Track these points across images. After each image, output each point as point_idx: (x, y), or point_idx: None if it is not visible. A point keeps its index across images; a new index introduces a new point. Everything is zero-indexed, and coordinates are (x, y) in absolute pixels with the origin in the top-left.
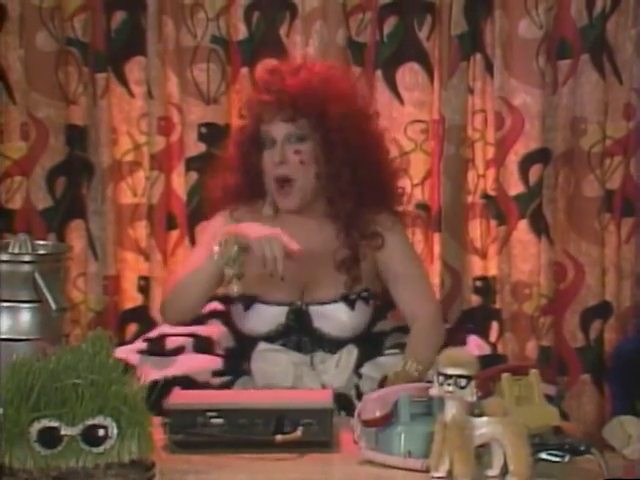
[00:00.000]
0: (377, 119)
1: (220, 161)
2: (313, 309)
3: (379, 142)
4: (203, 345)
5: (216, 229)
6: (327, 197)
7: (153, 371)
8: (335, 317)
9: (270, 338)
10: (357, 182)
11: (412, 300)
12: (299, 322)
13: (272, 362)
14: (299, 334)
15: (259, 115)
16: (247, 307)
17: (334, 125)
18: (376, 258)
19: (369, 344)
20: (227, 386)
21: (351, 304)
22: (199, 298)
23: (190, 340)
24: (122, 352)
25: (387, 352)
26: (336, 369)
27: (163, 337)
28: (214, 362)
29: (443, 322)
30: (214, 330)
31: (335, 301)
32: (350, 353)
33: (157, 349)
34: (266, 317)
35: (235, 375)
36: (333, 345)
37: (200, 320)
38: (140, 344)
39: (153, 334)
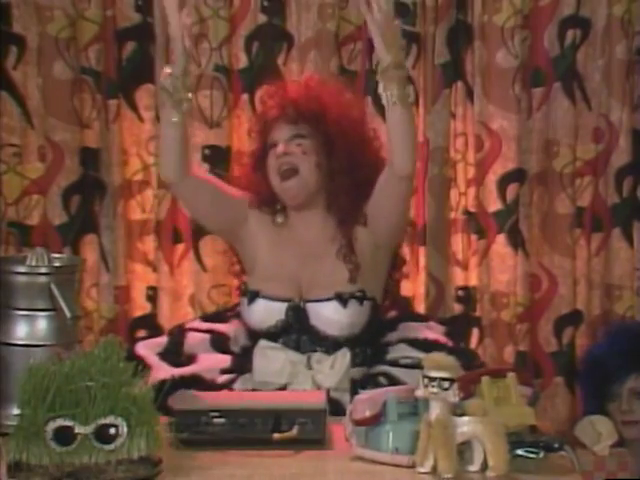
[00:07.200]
0: (369, 124)
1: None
2: (310, 306)
3: (373, 143)
4: (219, 342)
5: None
6: (327, 191)
7: (167, 369)
8: (328, 315)
9: (271, 335)
10: (355, 179)
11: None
12: (297, 319)
13: (270, 359)
14: (298, 333)
15: (266, 127)
16: (250, 301)
17: (332, 128)
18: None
19: (367, 350)
20: (231, 383)
21: (344, 302)
22: (177, 155)
23: (208, 337)
24: (143, 348)
25: (389, 358)
26: (330, 370)
27: (185, 332)
28: (223, 361)
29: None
30: (230, 328)
31: (329, 299)
32: (344, 356)
33: (174, 351)
34: (267, 312)
35: (240, 372)
36: (330, 345)
37: (222, 318)
38: (162, 339)
39: (177, 329)
